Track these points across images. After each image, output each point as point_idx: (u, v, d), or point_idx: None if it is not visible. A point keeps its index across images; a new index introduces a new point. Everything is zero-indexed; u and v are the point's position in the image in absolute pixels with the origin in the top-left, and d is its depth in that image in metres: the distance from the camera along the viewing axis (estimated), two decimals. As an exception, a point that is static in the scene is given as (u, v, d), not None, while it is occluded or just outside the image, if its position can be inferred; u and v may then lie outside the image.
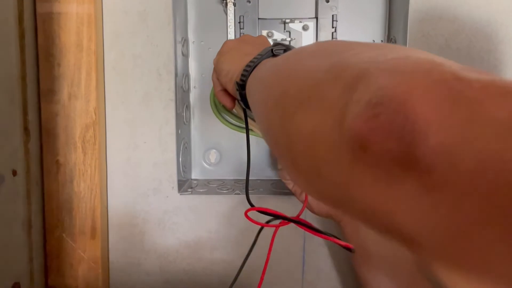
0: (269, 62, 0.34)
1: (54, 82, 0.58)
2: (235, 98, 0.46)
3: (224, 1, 0.57)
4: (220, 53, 0.46)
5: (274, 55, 0.38)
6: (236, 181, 0.63)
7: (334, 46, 0.25)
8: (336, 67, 0.21)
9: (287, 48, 0.39)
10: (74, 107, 0.59)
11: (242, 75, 0.38)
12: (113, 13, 0.61)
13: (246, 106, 0.40)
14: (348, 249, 0.42)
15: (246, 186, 0.47)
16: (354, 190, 0.18)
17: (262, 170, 0.63)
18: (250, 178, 0.63)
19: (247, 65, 0.37)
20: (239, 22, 0.57)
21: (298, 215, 0.44)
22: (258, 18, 0.58)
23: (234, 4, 0.57)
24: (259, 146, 0.63)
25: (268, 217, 0.45)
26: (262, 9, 0.58)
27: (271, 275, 0.64)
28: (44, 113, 0.59)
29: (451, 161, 0.15)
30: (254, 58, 0.37)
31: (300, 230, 0.47)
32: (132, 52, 0.62)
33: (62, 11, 0.57)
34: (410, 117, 0.16)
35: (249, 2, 0.57)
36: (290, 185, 0.53)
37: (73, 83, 0.58)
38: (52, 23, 0.57)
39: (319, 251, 0.63)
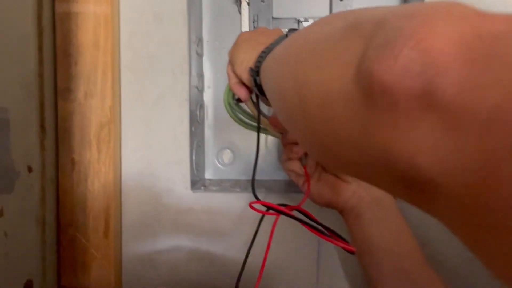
0: (284, 42, 0.34)
1: (71, 80, 0.59)
2: (250, 89, 0.46)
3: (239, 0, 0.58)
4: (235, 44, 0.46)
5: None
6: (250, 181, 0.62)
7: (350, 12, 0.24)
8: (353, 24, 0.21)
9: None
10: (90, 105, 0.59)
11: (257, 61, 0.38)
12: (130, 13, 0.62)
13: (261, 93, 0.40)
14: (351, 252, 0.40)
15: (253, 177, 0.47)
16: (373, 138, 0.18)
17: (275, 170, 0.62)
18: (263, 178, 0.62)
19: (262, 51, 0.38)
20: (253, 21, 0.58)
21: (299, 204, 0.44)
22: (272, 18, 0.58)
23: (248, 4, 0.57)
24: (274, 146, 0.62)
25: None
26: (276, 8, 0.58)
27: (285, 277, 0.63)
28: (61, 110, 0.59)
29: (475, 96, 0.14)
30: (269, 45, 0.37)
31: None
32: (148, 52, 0.62)
33: (80, 11, 0.58)
34: (431, 53, 0.15)
35: (263, 1, 0.58)
36: (293, 176, 0.52)
37: (89, 81, 0.59)
38: (70, 22, 0.58)
39: (334, 253, 0.62)
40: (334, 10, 0.57)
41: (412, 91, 0.15)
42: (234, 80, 0.47)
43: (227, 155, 0.63)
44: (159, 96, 0.62)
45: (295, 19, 0.58)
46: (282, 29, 0.57)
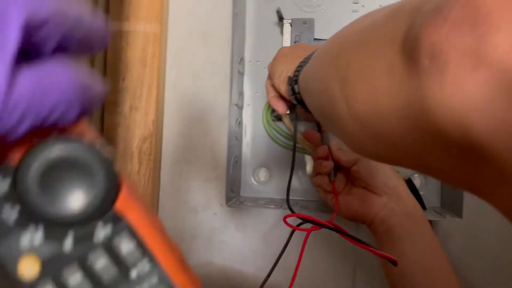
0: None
1: (118, 94, 0.62)
2: (287, 103, 0.47)
3: (281, 22, 0.59)
4: (274, 58, 0.47)
5: None
6: (285, 199, 0.62)
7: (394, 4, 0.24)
8: (397, 6, 0.20)
9: None
10: (134, 119, 0.62)
11: (296, 70, 0.39)
12: (178, 33, 0.65)
13: (299, 102, 0.40)
14: (393, 262, 0.39)
15: (288, 190, 0.47)
16: (422, 104, 0.17)
17: (309, 191, 0.62)
18: (298, 198, 0.62)
19: (301, 62, 0.38)
20: (295, 42, 0.59)
21: (330, 220, 0.43)
22: (314, 39, 0.59)
23: (291, 25, 0.59)
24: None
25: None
26: (317, 30, 0.59)
27: (317, 301, 0.61)
28: (106, 123, 0.62)
29: None
30: (308, 56, 0.38)
31: (348, 245, 0.45)
32: (192, 70, 0.65)
33: (131, 30, 0.61)
34: (482, 10, 0.15)
35: (305, 23, 0.59)
36: (321, 192, 0.52)
37: (135, 96, 0.62)
38: (121, 40, 0.61)
39: (369, 265, 0.60)
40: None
41: (463, 48, 0.15)
42: (272, 93, 0.48)
43: (263, 173, 0.64)
44: (201, 112, 0.64)
45: (336, 40, 0.59)
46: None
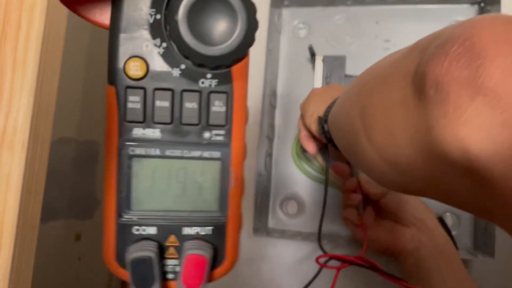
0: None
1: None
2: (318, 143, 0.48)
3: (313, 58, 0.61)
4: (306, 98, 0.49)
5: None
6: (313, 233, 0.62)
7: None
8: (413, 45, 0.23)
9: None
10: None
11: (326, 110, 0.40)
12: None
13: (329, 140, 0.41)
14: None
15: (319, 228, 0.47)
16: (430, 133, 0.18)
17: (338, 224, 0.61)
18: (326, 232, 0.61)
19: (331, 102, 0.40)
20: (326, 77, 0.60)
21: (361, 255, 0.43)
22: (345, 75, 0.60)
23: (323, 61, 0.61)
24: (338, 200, 0.62)
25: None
26: (349, 67, 0.61)
27: None
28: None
29: None
30: (336, 97, 0.39)
31: (378, 278, 0.45)
32: (225, 103, 0.67)
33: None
34: (477, 46, 0.17)
35: (337, 60, 0.60)
36: (350, 225, 0.52)
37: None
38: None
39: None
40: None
41: (461, 79, 0.17)
42: (304, 133, 0.50)
43: (292, 206, 0.64)
44: (232, 143, 0.66)
45: (367, 77, 0.60)
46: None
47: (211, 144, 0.19)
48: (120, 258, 0.18)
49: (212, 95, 0.18)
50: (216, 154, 0.19)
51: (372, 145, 0.25)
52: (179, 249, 0.19)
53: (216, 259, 0.19)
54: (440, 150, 0.18)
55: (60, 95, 0.41)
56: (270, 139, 0.63)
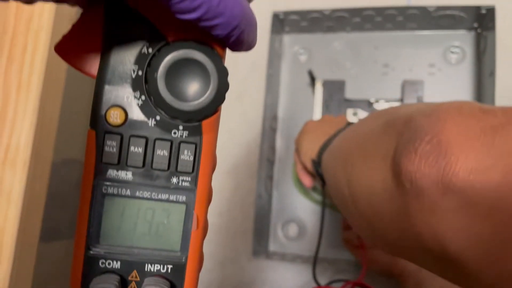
0: (339, 136, 0.38)
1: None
2: (313, 177, 0.49)
3: (313, 83, 0.62)
4: (301, 133, 0.50)
5: None
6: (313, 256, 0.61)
7: (391, 108, 0.29)
8: (389, 121, 0.25)
9: None
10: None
11: (319, 152, 0.42)
12: (215, 92, 0.69)
13: (323, 181, 0.42)
14: None
15: (314, 263, 0.47)
16: (408, 221, 0.20)
17: (339, 248, 0.61)
18: (328, 256, 0.61)
19: (324, 144, 0.41)
20: (326, 101, 0.61)
21: (360, 279, 0.43)
22: (344, 99, 0.61)
23: (322, 86, 0.62)
24: (339, 223, 0.62)
25: None
26: (348, 91, 0.62)
27: None
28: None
29: (482, 179, 0.17)
30: (330, 137, 0.41)
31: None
32: (228, 127, 0.68)
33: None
34: (442, 145, 0.18)
35: (336, 84, 0.62)
36: (349, 247, 0.53)
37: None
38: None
39: None
40: (405, 94, 0.59)
41: (430, 178, 0.18)
42: (300, 166, 0.51)
43: (292, 229, 0.64)
44: (233, 166, 0.67)
45: (367, 100, 0.61)
46: (349, 111, 0.60)
47: (178, 189, 0.20)
48: None
49: (182, 145, 0.20)
50: (182, 198, 0.20)
51: (360, 215, 0.27)
52: (139, 284, 0.20)
53: None
54: (417, 236, 0.20)
55: (64, 117, 0.43)
56: (271, 162, 0.64)
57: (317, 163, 0.42)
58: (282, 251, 0.63)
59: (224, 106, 0.72)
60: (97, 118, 0.20)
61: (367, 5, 0.59)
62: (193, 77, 0.20)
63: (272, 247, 0.64)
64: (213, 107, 0.20)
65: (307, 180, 0.51)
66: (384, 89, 0.62)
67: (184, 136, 0.20)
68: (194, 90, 0.20)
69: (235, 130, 0.68)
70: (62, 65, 0.40)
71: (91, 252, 0.20)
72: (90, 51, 0.20)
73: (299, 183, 0.63)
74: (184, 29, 0.20)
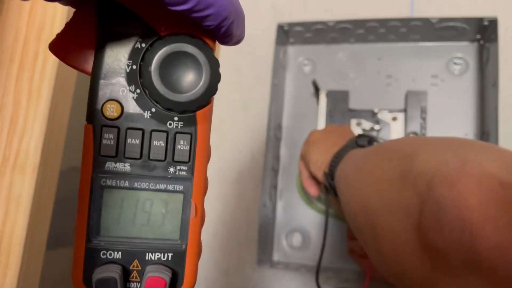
0: (353, 157, 0.38)
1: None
2: (319, 186, 0.49)
3: (317, 93, 0.63)
4: (307, 143, 0.50)
5: (358, 146, 0.41)
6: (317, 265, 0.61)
7: (407, 147, 0.28)
8: (405, 172, 0.25)
9: (370, 139, 0.42)
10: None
11: (331, 165, 0.42)
12: (220, 102, 0.70)
13: (334, 194, 0.43)
14: None
15: (317, 272, 0.47)
16: (435, 285, 0.21)
17: (344, 258, 0.61)
18: (331, 265, 0.61)
19: (335, 156, 0.41)
20: (330, 111, 0.62)
21: (365, 286, 0.43)
22: (348, 109, 0.62)
23: (326, 96, 0.62)
24: (344, 233, 0.62)
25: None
26: (352, 101, 0.63)
27: None
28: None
29: (508, 257, 0.17)
30: (340, 149, 0.41)
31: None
32: (233, 136, 0.69)
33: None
34: (468, 224, 0.19)
35: (340, 95, 0.62)
36: (355, 256, 0.53)
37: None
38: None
39: None
40: (409, 104, 0.60)
41: (457, 251, 0.19)
42: (306, 175, 0.51)
43: (296, 238, 0.64)
44: (238, 175, 0.67)
45: (371, 111, 0.61)
46: (353, 121, 0.61)
47: (175, 178, 0.21)
48: (87, 280, 0.20)
49: (178, 135, 0.21)
50: (179, 187, 0.21)
51: (378, 253, 0.27)
52: (141, 273, 0.21)
53: (175, 284, 0.21)
54: None
55: (72, 125, 0.44)
56: (275, 171, 0.65)
57: (329, 176, 0.42)
58: (286, 260, 0.63)
59: (229, 115, 0.74)
60: (93, 113, 0.20)
61: (370, 16, 0.60)
62: (186, 69, 0.20)
63: (276, 256, 0.64)
64: (207, 98, 0.21)
65: (312, 189, 0.52)
66: (387, 99, 0.62)
67: (179, 127, 0.21)
68: (188, 82, 0.20)
69: (240, 139, 0.68)
70: (72, 73, 0.41)
71: (92, 244, 0.20)
72: (84, 49, 0.21)
73: (303, 192, 0.63)
74: (175, 24, 0.20)
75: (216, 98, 0.69)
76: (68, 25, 0.21)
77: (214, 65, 0.20)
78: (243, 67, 0.71)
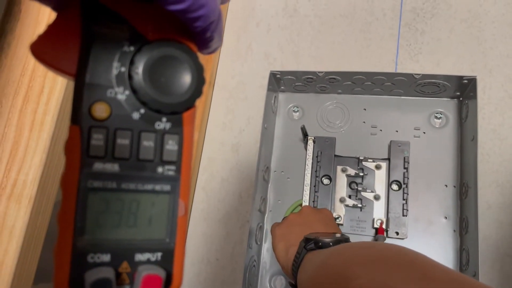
0: (309, 264, 0.40)
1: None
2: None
3: (305, 138, 0.65)
4: (273, 237, 0.51)
5: (308, 250, 0.43)
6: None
7: (345, 269, 0.31)
8: None
9: (316, 242, 0.42)
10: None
11: (292, 269, 0.44)
12: (212, 142, 0.72)
13: None
14: None
15: None
16: None
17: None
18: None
19: (294, 260, 0.43)
20: (317, 157, 0.64)
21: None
22: (335, 155, 0.64)
23: (314, 142, 0.65)
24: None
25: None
26: (338, 148, 0.65)
27: None
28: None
29: None
30: (296, 254, 0.43)
31: None
32: (221, 176, 0.70)
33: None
34: None
35: (327, 141, 0.65)
36: None
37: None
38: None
39: None
40: (392, 154, 0.62)
41: None
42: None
43: (279, 282, 0.64)
44: (225, 215, 0.68)
45: (356, 158, 0.64)
46: (339, 168, 0.63)
47: (163, 178, 0.21)
48: (75, 284, 0.20)
49: (166, 136, 0.21)
50: (167, 187, 0.21)
51: None
52: (130, 275, 0.21)
53: (166, 282, 0.21)
54: None
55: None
56: (262, 212, 0.66)
57: (293, 277, 0.43)
58: (269, 304, 0.63)
59: (219, 155, 0.75)
60: (80, 114, 0.20)
61: (358, 69, 0.64)
62: (173, 72, 0.21)
63: (259, 299, 0.64)
64: (193, 100, 0.22)
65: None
66: (372, 148, 0.65)
67: (167, 128, 0.21)
68: (176, 85, 0.21)
69: (229, 179, 0.70)
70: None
71: (79, 247, 0.20)
72: (68, 51, 0.21)
73: (289, 235, 0.64)
74: (161, 29, 0.22)
75: (209, 137, 0.72)
76: (50, 26, 0.21)
77: (200, 69, 0.22)
78: (236, 110, 0.73)
